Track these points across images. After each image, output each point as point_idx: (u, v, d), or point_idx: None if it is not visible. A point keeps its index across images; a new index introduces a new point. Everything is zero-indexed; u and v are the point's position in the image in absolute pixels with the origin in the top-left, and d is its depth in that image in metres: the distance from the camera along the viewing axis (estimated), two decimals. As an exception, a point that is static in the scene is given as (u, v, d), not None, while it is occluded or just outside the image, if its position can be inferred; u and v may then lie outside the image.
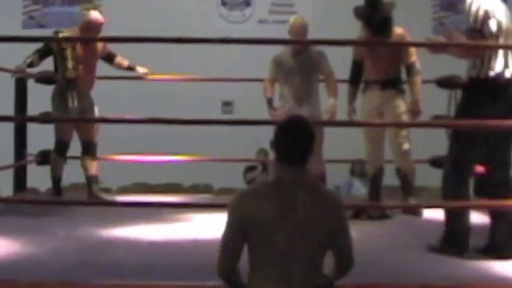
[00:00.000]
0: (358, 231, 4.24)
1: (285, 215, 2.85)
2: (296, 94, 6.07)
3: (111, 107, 7.96)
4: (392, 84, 5.96)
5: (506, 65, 4.37)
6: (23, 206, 6.02)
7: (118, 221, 5.43)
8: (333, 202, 2.96)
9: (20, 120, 6.68)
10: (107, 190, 9.18)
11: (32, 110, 6.85)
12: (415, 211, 5.85)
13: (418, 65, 5.90)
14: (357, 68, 6.06)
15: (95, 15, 6.29)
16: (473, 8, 4.33)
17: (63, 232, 5.10)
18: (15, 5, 10.25)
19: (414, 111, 5.81)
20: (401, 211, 5.95)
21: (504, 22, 4.40)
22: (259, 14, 10.02)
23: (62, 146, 6.34)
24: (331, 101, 5.98)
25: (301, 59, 6.07)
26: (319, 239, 2.88)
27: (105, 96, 8.54)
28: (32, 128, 7.05)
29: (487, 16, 4.32)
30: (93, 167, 6.38)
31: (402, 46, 5.98)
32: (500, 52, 4.37)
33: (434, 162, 6.37)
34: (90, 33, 6.18)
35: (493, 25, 4.34)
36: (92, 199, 6.21)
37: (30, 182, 7.37)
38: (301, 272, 2.85)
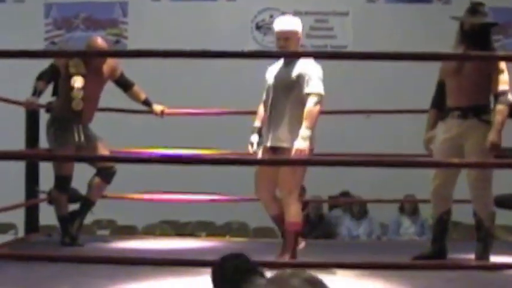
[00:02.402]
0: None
1: None
2: (270, 117, 4.85)
3: (136, 137, 7.41)
4: (476, 112, 4.93)
5: None
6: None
7: (136, 273, 4.51)
8: None
9: (30, 156, 5.88)
10: (132, 229, 8.51)
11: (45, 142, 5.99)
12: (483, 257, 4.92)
13: (509, 97, 4.88)
14: (441, 90, 5.11)
15: (97, 41, 5.71)
16: None
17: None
18: (38, 31, 9.92)
19: (492, 144, 4.78)
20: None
21: None
22: (297, 38, 9.32)
23: (63, 182, 5.76)
24: (301, 132, 4.62)
25: (285, 69, 4.81)
26: None
27: (129, 126, 8.01)
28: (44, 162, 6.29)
29: None
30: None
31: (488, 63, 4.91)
32: None
33: (501, 202, 5.68)
34: (93, 61, 5.66)
35: None
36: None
37: (46, 219, 6.65)
38: None
